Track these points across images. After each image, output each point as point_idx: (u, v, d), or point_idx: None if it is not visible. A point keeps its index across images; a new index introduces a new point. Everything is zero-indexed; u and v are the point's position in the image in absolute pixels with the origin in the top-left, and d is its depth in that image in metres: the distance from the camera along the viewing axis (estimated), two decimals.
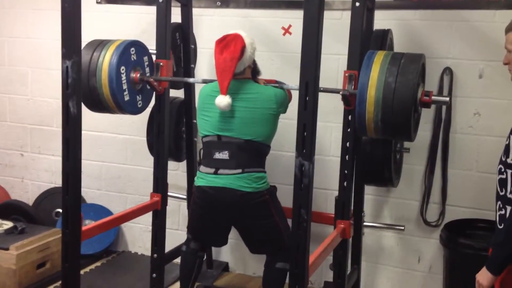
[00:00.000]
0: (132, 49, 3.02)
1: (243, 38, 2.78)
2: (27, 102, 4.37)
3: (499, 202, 2.12)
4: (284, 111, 2.94)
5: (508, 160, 2.06)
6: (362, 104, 2.45)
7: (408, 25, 3.30)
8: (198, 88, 3.15)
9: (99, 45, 2.99)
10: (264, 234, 2.87)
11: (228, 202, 2.77)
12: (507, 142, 2.10)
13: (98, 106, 3.00)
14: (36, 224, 3.95)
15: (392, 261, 3.53)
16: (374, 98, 2.42)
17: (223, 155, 2.79)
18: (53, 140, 4.26)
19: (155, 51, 3.17)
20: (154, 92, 3.16)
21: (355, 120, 2.56)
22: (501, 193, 2.10)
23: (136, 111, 3.14)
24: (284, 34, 3.56)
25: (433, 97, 2.55)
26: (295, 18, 3.47)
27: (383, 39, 2.88)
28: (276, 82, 2.99)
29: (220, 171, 2.78)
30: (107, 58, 2.91)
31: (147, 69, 3.14)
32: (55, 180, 4.33)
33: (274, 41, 3.58)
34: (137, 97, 3.10)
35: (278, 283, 2.91)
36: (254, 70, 2.96)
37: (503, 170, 2.10)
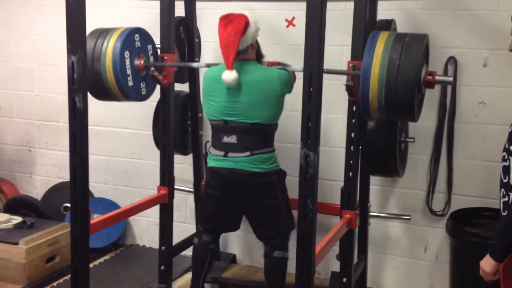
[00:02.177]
0: (137, 35, 3.04)
1: (247, 16, 2.82)
2: (33, 98, 4.40)
3: (502, 189, 2.13)
4: (290, 91, 2.96)
5: (511, 148, 2.06)
6: (365, 82, 2.44)
7: (411, 14, 3.30)
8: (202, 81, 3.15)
9: (103, 32, 3.01)
10: (267, 214, 2.93)
11: (238, 181, 2.85)
12: (510, 130, 2.10)
13: (103, 92, 3.00)
14: (45, 219, 3.99)
15: (398, 250, 3.55)
16: (378, 75, 2.40)
17: (231, 139, 2.85)
18: (61, 135, 4.29)
19: (159, 45, 3.19)
20: (159, 86, 3.18)
21: (359, 109, 2.56)
22: (504, 180, 2.11)
23: (140, 97, 3.13)
24: (287, 26, 3.56)
25: (436, 77, 2.53)
26: (298, 10, 3.46)
27: (387, 29, 2.89)
28: (279, 64, 3.02)
29: (230, 154, 2.85)
30: (111, 43, 2.93)
31: (151, 58, 3.15)
32: (63, 175, 4.37)
33: (278, 33, 3.59)
34: (141, 84, 3.11)
35: (279, 272, 2.95)
36: (258, 52, 2.98)
37: (506, 157, 2.10)
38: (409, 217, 3.31)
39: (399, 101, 2.41)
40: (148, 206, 3.24)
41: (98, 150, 4.14)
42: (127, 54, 2.96)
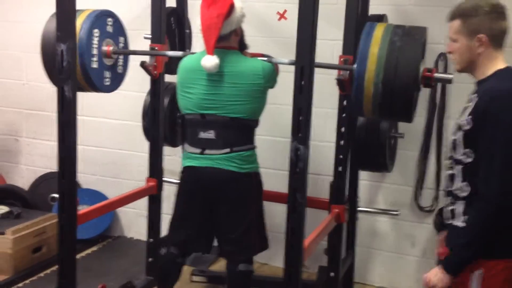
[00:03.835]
0: (109, 19, 2.91)
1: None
2: (22, 87, 4.36)
3: (450, 198, 2.03)
4: (272, 86, 2.76)
5: (456, 156, 1.98)
6: (362, 62, 2.26)
7: (403, 10, 3.30)
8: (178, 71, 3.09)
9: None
10: (237, 221, 2.68)
11: (215, 180, 2.63)
12: (452, 138, 2.02)
13: None
14: (31, 209, 3.97)
15: (386, 246, 3.57)
16: (377, 55, 2.24)
17: (209, 134, 2.63)
18: (49, 125, 4.25)
19: (150, 36, 3.16)
20: (150, 77, 3.15)
21: (350, 104, 2.52)
22: (449, 189, 2.03)
23: (102, 86, 2.94)
24: (279, 19, 3.55)
25: (435, 74, 2.39)
26: (290, 3, 3.44)
27: None
28: (263, 55, 2.81)
29: (207, 151, 2.64)
30: (81, 18, 2.76)
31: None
32: (51, 165, 4.33)
33: (270, 26, 3.58)
34: (106, 72, 2.95)
35: (243, 286, 2.75)
36: (241, 41, 2.76)
37: (452, 165, 2.02)
38: (397, 213, 3.32)
39: (398, 85, 2.24)
40: (137, 197, 3.22)
41: (87, 141, 4.10)
42: (96, 32, 2.81)
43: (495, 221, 1.85)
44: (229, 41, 2.65)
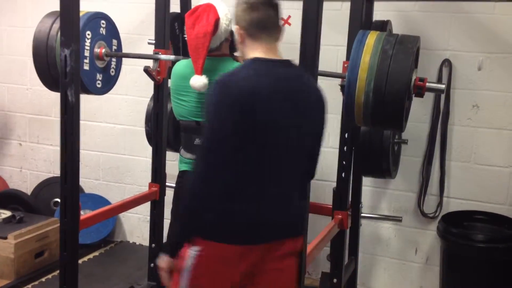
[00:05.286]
0: (103, 22, 2.88)
1: (216, 9, 2.52)
2: (25, 91, 4.36)
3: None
4: None
5: None
6: (354, 71, 2.21)
7: (407, 16, 3.30)
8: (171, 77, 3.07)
9: None
10: None
11: None
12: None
13: (53, 75, 2.79)
14: (34, 214, 3.96)
15: (389, 252, 3.55)
16: (369, 64, 2.19)
17: None
18: (52, 129, 4.26)
19: (153, 41, 3.16)
20: (153, 82, 3.15)
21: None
22: None
23: (93, 89, 2.90)
24: (283, 25, 3.53)
25: (428, 84, 2.31)
26: (294, 8, 3.43)
27: (382, 30, 2.88)
28: None
29: None
30: None
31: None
32: (54, 169, 4.33)
33: None
34: (98, 74, 2.90)
35: None
36: (232, 44, 2.67)
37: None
38: (400, 219, 3.30)
39: (388, 94, 2.18)
40: (139, 202, 3.21)
41: (90, 146, 4.11)
42: (88, 34, 2.76)
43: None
44: (220, 49, 2.62)
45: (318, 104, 1.96)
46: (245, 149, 1.81)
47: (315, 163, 2.06)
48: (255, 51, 1.93)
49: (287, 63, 1.95)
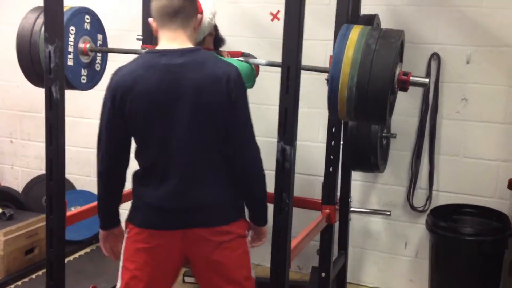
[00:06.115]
0: (87, 17, 2.86)
1: (199, 3, 2.45)
2: (16, 88, 4.34)
3: None
4: (251, 86, 2.66)
5: None
6: (337, 65, 2.19)
7: (395, 10, 3.29)
8: None
9: None
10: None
11: None
12: None
13: (37, 71, 2.80)
14: (25, 211, 3.95)
15: (379, 246, 3.55)
16: (352, 58, 2.16)
17: None
18: (43, 127, 4.22)
19: (141, 37, 3.16)
20: None
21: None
22: None
23: (78, 85, 2.89)
24: (272, 20, 3.54)
25: (411, 77, 2.28)
26: (283, 3, 3.44)
27: (370, 24, 2.87)
28: (243, 54, 2.72)
29: None
30: None
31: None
32: (45, 167, 4.31)
33: (263, 27, 3.56)
34: (82, 70, 2.89)
35: None
36: (216, 39, 2.70)
37: None
38: (389, 213, 3.31)
39: (372, 90, 2.15)
40: (129, 198, 3.20)
41: (81, 142, 4.09)
42: (72, 30, 2.76)
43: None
44: (203, 44, 2.58)
45: (213, 86, 1.89)
46: (136, 139, 2.00)
47: (237, 145, 1.99)
48: (160, 40, 1.98)
49: (186, 51, 1.94)
